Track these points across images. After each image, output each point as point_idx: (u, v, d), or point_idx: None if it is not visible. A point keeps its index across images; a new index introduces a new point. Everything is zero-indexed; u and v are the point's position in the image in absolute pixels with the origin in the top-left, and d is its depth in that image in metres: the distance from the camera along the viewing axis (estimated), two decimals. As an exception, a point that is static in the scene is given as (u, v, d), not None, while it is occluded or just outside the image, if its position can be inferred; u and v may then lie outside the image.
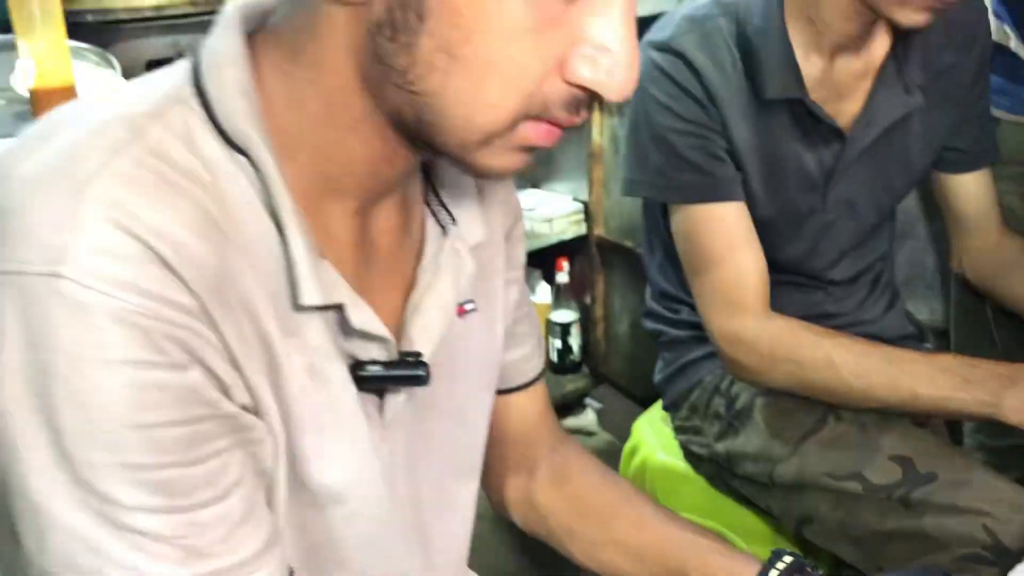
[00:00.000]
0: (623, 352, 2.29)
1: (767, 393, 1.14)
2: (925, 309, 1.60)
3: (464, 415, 0.72)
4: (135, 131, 0.50)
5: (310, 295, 0.54)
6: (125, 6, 1.76)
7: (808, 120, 1.09)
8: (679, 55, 1.07)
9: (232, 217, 0.51)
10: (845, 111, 1.12)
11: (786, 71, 1.06)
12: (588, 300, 2.32)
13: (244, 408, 0.52)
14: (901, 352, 1.03)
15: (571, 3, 0.50)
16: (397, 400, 0.63)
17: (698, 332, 1.21)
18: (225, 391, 0.51)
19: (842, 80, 1.11)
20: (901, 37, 1.09)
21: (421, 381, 0.61)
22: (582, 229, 2.22)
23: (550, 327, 2.28)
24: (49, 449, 0.46)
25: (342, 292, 0.56)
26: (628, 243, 2.14)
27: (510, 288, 0.77)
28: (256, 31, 0.56)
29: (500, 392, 0.80)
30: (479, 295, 0.70)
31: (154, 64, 1.83)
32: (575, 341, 2.30)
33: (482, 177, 0.58)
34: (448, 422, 0.70)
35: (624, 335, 2.28)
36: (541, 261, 2.24)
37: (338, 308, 0.56)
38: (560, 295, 2.28)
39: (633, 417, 1.46)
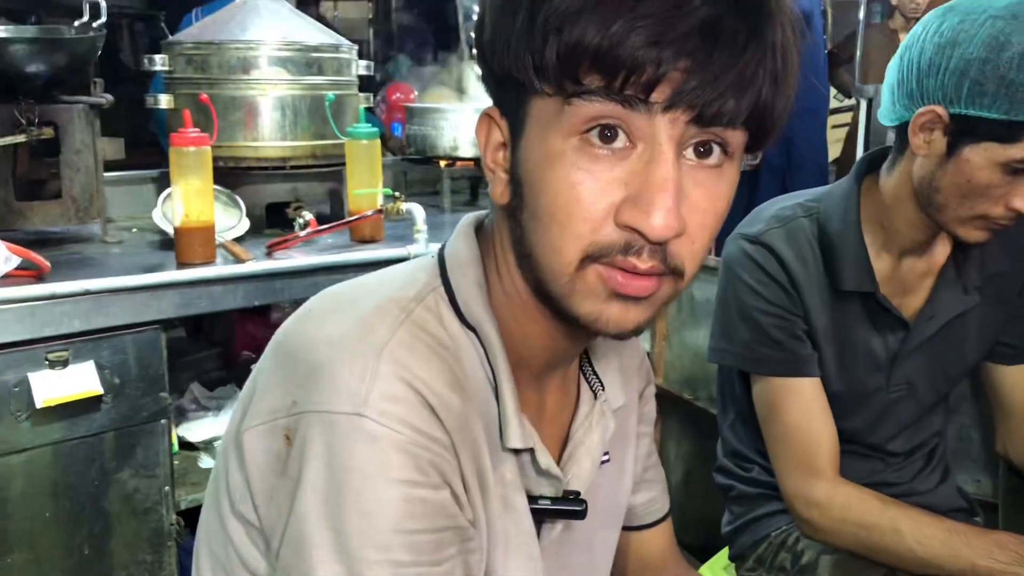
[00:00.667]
0: (676, 502, 2.38)
1: (832, 551, 1.26)
2: (972, 483, 1.71)
3: (593, 551, 0.86)
4: (407, 311, 0.68)
5: (515, 440, 0.71)
6: (255, 156, 1.99)
7: (878, 310, 1.25)
8: (768, 247, 1.24)
9: (467, 376, 0.68)
10: (910, 305, 1.28)
11: (860, 268, 1.23)
12: (642, 446, 2.43)
13: (470, 522, 0.68)
14: (961, 525, 1.16)
15: (620, 162, 0.61)
16: (554, 529, 0.77)
17: (767, 490, 1.34)
18: (460, 507, 0.66)
19: (908, 278, 1.27)
20: (960, 244, 1.25)
21: (580, 515, 0.76)
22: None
23: (605, 470, 2.38)
24: (333, 547, 0.61)
25: (535, 439, 0.72)
26: (686, 395, 2.27)
27: (642, 440, 0.93)
28: (477, 234, 0.75)
29: (631, 528, 0.95)
30: (614, 448, 0.86)
31: (274, 207, 2.04)
32: (628, 485, 2.40)
33: (594, 329, 0.67)
34: (583, 556, 0.84)
35: (677, 484, 2.38)
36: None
37: (529, 452, 0.72)
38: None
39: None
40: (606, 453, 0.84)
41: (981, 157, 1.09)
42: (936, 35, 1.11)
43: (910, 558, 1.14)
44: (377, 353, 0.64)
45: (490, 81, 0.68)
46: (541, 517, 0.76)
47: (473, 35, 0.70)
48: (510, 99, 0.66)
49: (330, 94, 1.99)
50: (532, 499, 0.75)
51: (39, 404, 1.42)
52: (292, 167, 2.03)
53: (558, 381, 0.79)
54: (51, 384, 1.44)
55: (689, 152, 0.63)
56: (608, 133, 0.61)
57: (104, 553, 1.57)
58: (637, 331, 0.67)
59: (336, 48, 2.07)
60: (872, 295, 1.24)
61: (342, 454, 0.61)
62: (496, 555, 0.71)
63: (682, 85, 0.59)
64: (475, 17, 0.75)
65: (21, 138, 1.68)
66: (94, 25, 1.81)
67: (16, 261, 1.45)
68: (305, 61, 2.01)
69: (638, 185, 0.61)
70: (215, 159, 1.86)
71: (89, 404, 1.50)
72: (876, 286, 1.23)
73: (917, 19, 4.80)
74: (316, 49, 2.03)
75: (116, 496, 1.56)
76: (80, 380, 1.47)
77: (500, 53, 0.64)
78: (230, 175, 2.00)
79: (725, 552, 1.47)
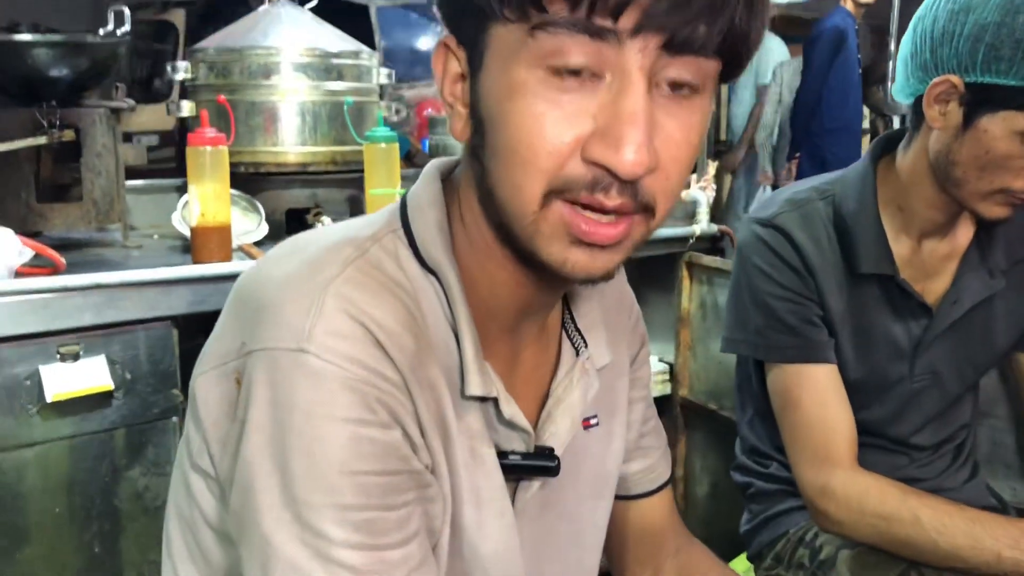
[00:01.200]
0: (701, 514, 2.33)
1: (851, 546, 1.20)
2: (1007, 488, 1.64)
3: (580, 521, 0.83)
4: (360, 249, 0.66)
5: (474, 387, 0.67)
6: (274, 161, 2.00)
7: (898, 295, 1.21)
8: (780, 230, 1.20)
9: (425, 319, 0.66)
10: (933, 289, 1.23)
11: (878, 250, 1.19)
12: (668, 459, 2.38)
13: (426, 467, 0.65)
14: (986, 515, 1.10)
15: (586, 92, 0.58)
16: (530, 489, 0.74)
17: (786, 486, 1.29)
18: (415, 450, 0.63)
19: (929, 261, 1.23)
20: (985, 226, 1.21)
21: (552, 472, 0.73)
22: (667, 389, 2.32)
23: (630, 483, 2.34)
24: (279, 490, 0.59)
25: (498, 388, 0.69)
26: (712, 405, 2.22)
27: (635, 406, 0.89)
28: (445, 180, 0.72)
29: (629, 498, 0.91)
30: (603, 411, 0.82)
31: (293, 212, 2.05)
32: (654, 499, 2.35)
33: (561, 274, 0.64)
34: (567, 523, 0.80)
35: (704, 496, 2.32)
36: (625, 417, 2.33)
37: (493, 402, 0.69)
38: (642, 452, 2.35)
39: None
40: (594, 416, 0.81)
41: (999, 127, 1.05)
42: (949, 2, 1.08)
43: (931, 550, 1.09)
44: (323, 288, 0.61)
45: (447, 7, 0.65)
46: (515, 475, 0.73)
47: None
48: (468, 27, 0.63)
49: (348, 98, 2.00)
50: (503, 455, 0.71)
51: (49, 398, 1.42)
52: (312, 172, 2.03)
53: (534, 335, 0.76)
54: (62, 378, 1.44)
55: (661, 87, 0.60)
56: (575, 71, 0.58)
57: (115, 552, 1.55)
58: (607, 276, 0.65)
59: (356, 54, 2.08)
60: (892, 278, 1.19)
61: (285, 392, 0.59)
62: (465, 509, 0.68)
63: (650, 8, 0.56)
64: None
65: (42, 140, 1.70)
66: (118, 32, 1.84)
67: (29, 254, 1.45)
68: (325, 67, 2.02)
69: (607, 118, 0.58)
70: (235, 165, 1.88)
71: (100, 399, 1.49)
72: (895, 269, 1.19)
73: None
74: (336, 55, 2.04)
75: (127, 493, 1.55)
76: (91, 374, 1.47)
77: None
78: (250, 180, 2.01)
79: (742, 556, 1.42)
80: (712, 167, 2.17)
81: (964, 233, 1.23)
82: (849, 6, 4.56)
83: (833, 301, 1.20)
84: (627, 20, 0.56)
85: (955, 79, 1.07)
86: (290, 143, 2.00)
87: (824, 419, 1.18)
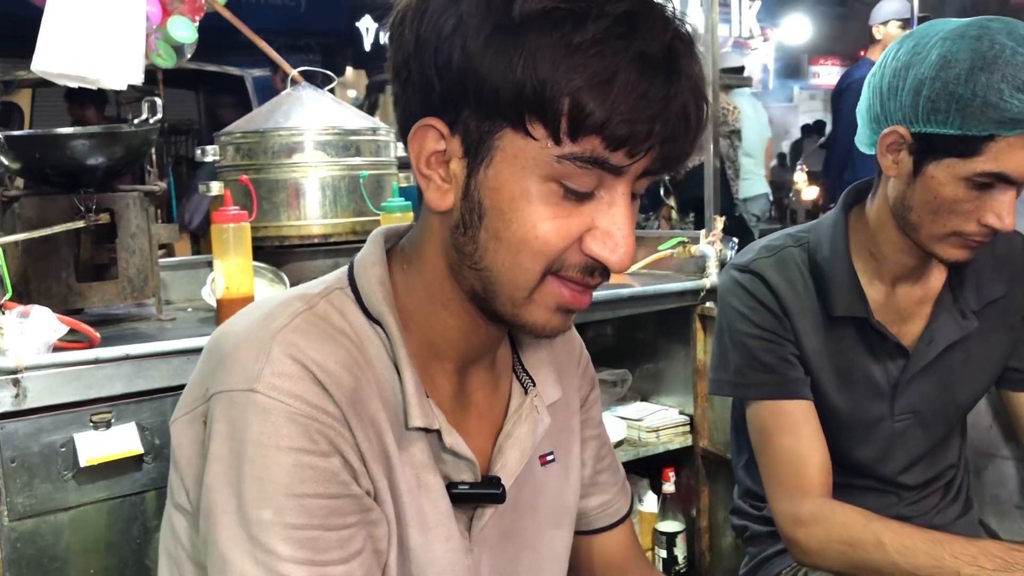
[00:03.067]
0: (728, 565, 2.34)
1: None
2: (1018, 530, 1.64)
3: (539, 551, 0.89)
4: (309, 303, 0.76)
5: (415, 419, 0.76)
6: (298, 234, 2.11)
7: (874, 336, 1.26)
8: (756, 274, 1.27)
9: (368, 362, 0.75)
10: (909, 331, 1.28)
11: (851, 293, 1.24)
12: (694, 511, 2.41)
13: (368, 493, 0.73)
14: (946, 536, 1.13)
15: (585, 203, 0.72)
16: (483, 517, 0.82)
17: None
18: (355, 477, 0.72)
19: (904, 305, 1.28)
20: (955, 268, 1.26)
21: (499, 499, 0.81)
22: (688, 441, 2.35)
23: (656, 537, 2.36)
24: (235, 512, 0.67)
25: (439, 420, 0.78)
26: (730, 456, 2.25)
27: (589, 443, 0.96)
28: (391, 247, 0.82)
29: (590, 532, 0.97)
30: (558, 448, 0.90)
31: (316, 281, 2.15)
32: (680, 552, 2.37)
33: (536, 334, 0.78)
34: (529, 552, 0.87)
35: (728, 547, 2.34)
36: (648, 471, 2.36)
37: (437, 433, 0.77)
38: (667, 505, 2.37)
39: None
40: (550, 453, 0.88)
41: (944, 173, 1.11)
42: (894, 60, 1.15)
43: (895, 572, 1.12)
44: (272, 336, 0.71)
45: (439, 88, 0.71)
46: (467, 504, 0.80)
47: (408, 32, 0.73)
48: (469, 120, 0.71)
49: (363, 172, 2.11)
50: (452, 485, 0.79)
51: (83, 463, 1.52)
52: (333, 243, 2.14)
53: (484, 378, 0.84)
54: (95, 444, 1.54)
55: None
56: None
57: (147, 610, 1.63)
58: (565, 331, 0.79)
59: (374, 131, 2.20)
60: (866, 320, 1.24)
61: (239, 426, 0.68)
62: (411, 532, 0.76)
63: (660, 154, 0.70)
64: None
65: (80, 224, 1.83)
66: (151, 121, 1.98)
67: (64, 330, 1.57)
68: (344, 144, 2.14)
69: (603, 224, 0.72)
70: (262, 239, 1.99)
71: (131, 464, 1.59)
72: (869, 311, 1.24)
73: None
74: (355, 132, 2.16)
75: (157, 554, 1.63)
76: (122, 440, 1.56)
77: (482, 70, 0.68)
78: (276, 254, 2.12)
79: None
80: (719, 223, 2.23)
81: (937, 277, 1.28)
82: (874, 58, 4.63)
83: (809, 341, 1.25)
84: (643, 163, 0.70)
85: (902, 130, 1.14)
86: (312, 216, 2.12)
87: (797, 451, 1.23)
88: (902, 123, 1.14)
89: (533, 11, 0.67)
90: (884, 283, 1.27)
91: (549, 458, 0.89)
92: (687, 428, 2.36)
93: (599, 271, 0.74)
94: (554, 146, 0.68)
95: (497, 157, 0.71)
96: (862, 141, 1.24)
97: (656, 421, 2.35)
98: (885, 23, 4.72)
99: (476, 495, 0.81)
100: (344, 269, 0.82)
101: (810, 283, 1.27)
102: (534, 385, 0.88)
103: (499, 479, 0.82)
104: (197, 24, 2.22)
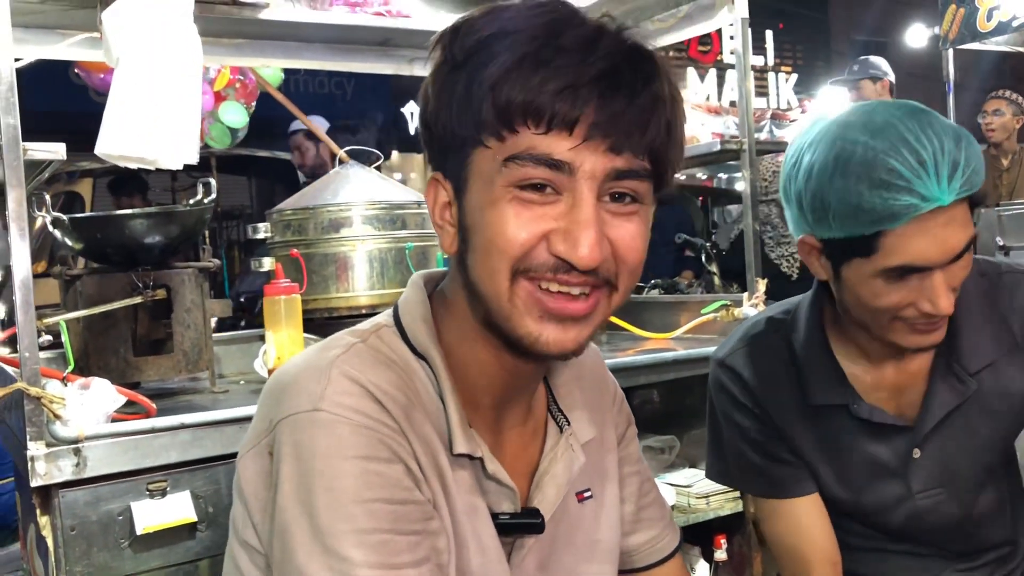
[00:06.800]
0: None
1: None
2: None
3: None
4: (361, 337, 0.81)
5: (459, 445, 0.79)
6: (346, 305, 2.17)
7: (870, 419, 1.20)
8: (731, 370, 1.25)
9: (417, 391, 0.79)
10: (907, 403, 1.22)
11: (830, 380, 1.20)
12: (748, 580, 2.36)
13: (428, 500, 0.76)
14: None
15: (548, 206, 0.75)
16: (523, 548, 0.84)
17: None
18: (417, 484, 0.75)
19: (899, 379, 1.22)
20: (948, 336, 1.16)
21: (537, 528, 0.83)
22: (738, 507, 2.32)
23: (710, 606, 2.31)
24: (308, 527, 0.70)
25: (483, 449, 0.81)
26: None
27: (629, 480, 0.98)
28: (431, 292, 0.87)
29: (638, 570, 0.98)
30: (595, 485, 0.92)
31: (364, 352, 2.19)
32: (736, 621, 2.32)
33: (540, 349, 0.78)
34: None
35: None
36: (699, 538, 2.33)
37: (480, 461, 0.80)
38: (719, 573, 2.33)
39: None
40: (587, 490, 0.90)
41: (855, 274, 1.09)
42: (785, 167, 1.15)
43: None
44: (330, 363, 0.76)
45: (435, 149, 0.81)
46: (507, 534, 0.82)
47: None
48: (453, 163, 0.79)
49: (409, 244, 2.17)
50: (494, 515, 0.81)
51: (139, 531, 1.55)
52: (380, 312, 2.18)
53: (520, 418, 0.87)
54: (151, 512, 1.58)
55: (607, 200, 0.76)
56: (538, 187, 0.75)
57: None
58: (578, 350, 0.78)
59: (419, 204, 2.27)
60: (847, 407, 1.20)
61: (306, 444, 0.72)
62: (467, 554, 0.78)
63: (594, 119, 0.72)
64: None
65: (137, 300, 1.91)
66: (205, 201, 2.07)
67: (122, 400, 1.62)
68: (390, 217, 2.21)
69: (567, 223, 0.74)
70: (312, 311, 2.05)
71: (185, 531, 1.62)
72: (852, 397, 1.20)
73: (989, 141, 4.71)
74: (400, 206, 2.23)
75: (210, 622, 1.65)
76: (177, 508, 1.60)
77: (444, 118, 0.78)
78: (325, 324, 2.17)
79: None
80: (761, 285, 2.24)
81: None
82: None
83: (797, 434, 1.22)
84: (578, 134, 0.73)
85: (809, 238, 1.13)
86: (360, 288, 2.18)
87: (798, 549, 1.22)
88: (807, 230, 1.12)
89: (470, 45, 0.76)
90: (869, 362, 1.21)
91: (587, 495, 0.91)
92: (737, 494, 2.33)
93: (564, 269, 0.76)
94: (499, 146, 0.74)
95: (471, 180, 0.78)
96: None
97: (706, 487, 2.32)
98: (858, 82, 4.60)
99: (517, 524, 0.83)
100: (389, 311, 0.87)
101: (792, 373, 1.22)
102: (569, 424, 0.90)
103: (538, 510, 0.84)
104: (250, 110, 2.33)
